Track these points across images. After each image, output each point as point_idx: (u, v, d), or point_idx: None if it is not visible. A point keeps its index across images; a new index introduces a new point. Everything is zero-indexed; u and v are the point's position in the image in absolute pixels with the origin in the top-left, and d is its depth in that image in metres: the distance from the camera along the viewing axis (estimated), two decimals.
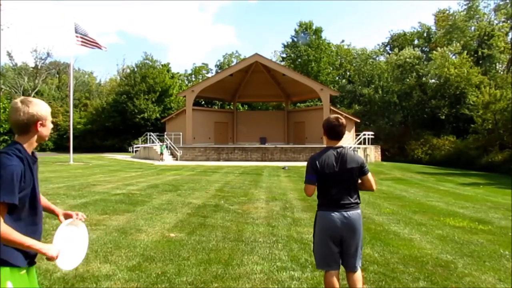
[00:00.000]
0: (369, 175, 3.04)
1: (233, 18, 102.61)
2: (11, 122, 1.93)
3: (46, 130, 1.99)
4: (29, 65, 54.80)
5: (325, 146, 3.28)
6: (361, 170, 3.00)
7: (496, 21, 36.01)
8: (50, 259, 1.92)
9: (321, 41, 47.60)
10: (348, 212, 2.90)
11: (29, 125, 1.91)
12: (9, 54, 53.17)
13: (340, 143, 3.24)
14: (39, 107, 1.94)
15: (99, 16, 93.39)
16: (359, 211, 2.98)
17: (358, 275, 3.00)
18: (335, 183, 2.92)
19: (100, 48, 23.13)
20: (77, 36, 21.89)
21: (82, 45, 22.27)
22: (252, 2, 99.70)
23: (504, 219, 7.33)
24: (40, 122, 1.93)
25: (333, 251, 2.93)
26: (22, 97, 1.99)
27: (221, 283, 3.75)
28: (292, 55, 49.15)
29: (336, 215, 2.89)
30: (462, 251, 4.98)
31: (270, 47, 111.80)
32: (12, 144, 1.93)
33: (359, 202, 3.00)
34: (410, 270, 4.19)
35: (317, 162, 2.98)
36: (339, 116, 3.26)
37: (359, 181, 3.02)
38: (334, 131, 3.22)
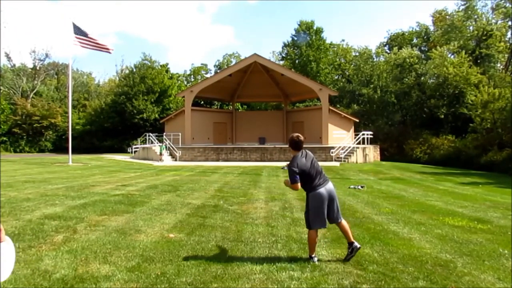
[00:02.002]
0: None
1: (232, 19, 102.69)
2: None
3: None
4: (28, 66, 54.74)
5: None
6: None
7: (494, 21, 36.07)
8: None
9: (321, 42, 47.62)
10: None
11: None
12: (7, 55, 53.13)
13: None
14: None
15: (98, 17, 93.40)
16: None
17: None
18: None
19: (108, 51, 22.75)
20: (76, 38, 21.81)
21: (83, 46, 22.13)
22: (251, 2, 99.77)
23: (503, 218, 7.34)
24: None
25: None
26: None
27: (221, 283, 3.75)
28: (292, 54, 49.17)
29: None
30: (461, 250, 4.98)
31: (269, 47, 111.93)
32: None
33: None
34: (410, 270, 4.20)
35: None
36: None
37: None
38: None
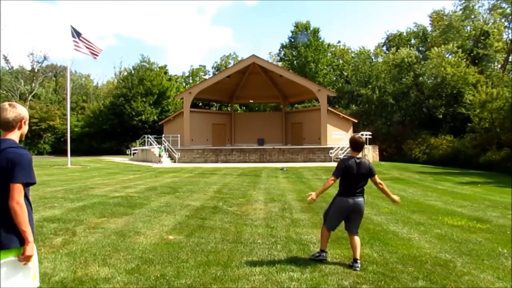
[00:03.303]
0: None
1: (230, 20, 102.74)
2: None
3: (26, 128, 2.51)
4: (26, 68, 54.66)
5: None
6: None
7: (492, 21, 36.17)
8: (27, 255, 2.30)
9: (319, 42, 47.67)
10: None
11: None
12: (5, 58, 53.05)
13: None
14: (23, 109, 2.47)
15: (97, 19, 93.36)
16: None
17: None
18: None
19: (95, 56, 22.85)
20: (74, 41, 21.86)
21: (76, 49, 22.19)
22: (249, 4, 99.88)
23: (502, 217, 7.35)
24: (24, 120, 2.46)
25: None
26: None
27: (220, 285, 3.75)
28: (290, 55, 49.22)
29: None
30: (460, 250, 4.99)
31: (268, 48, 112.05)
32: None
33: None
34: (409, 270, 4.20)
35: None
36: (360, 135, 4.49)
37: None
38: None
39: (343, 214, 4.43)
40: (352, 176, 4.32)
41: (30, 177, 2.33)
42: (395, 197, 4.56)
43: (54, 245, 5.03)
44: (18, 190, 2.26)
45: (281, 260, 4.51)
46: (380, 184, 4.46)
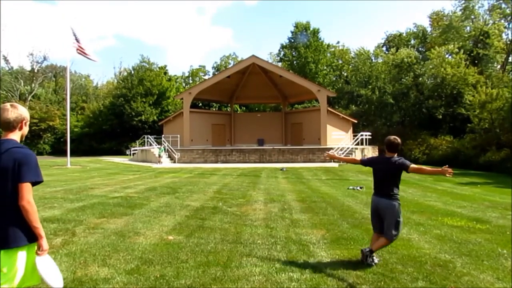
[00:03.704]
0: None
1: (230, 20, 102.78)
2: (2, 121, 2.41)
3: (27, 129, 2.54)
4: (26, 68, 54.65)
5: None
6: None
7: (491, 21, 36.19)
8: (42, 250, 2.41)
9: (319, 43, 47.69)
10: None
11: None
12: (5, 58, 53.04)
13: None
14: (24, 110, 2.51)
15: (96, 19, 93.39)
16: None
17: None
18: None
19: (91, 59, 23.21)
20: (74, 42, 21.99)
21: (78, 52, 22.39)
22: (250, 4, 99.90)
23: (502, 218, 7.35)
24: (24, 121, 2.50)
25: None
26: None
27: (220, 285, 3.75)
28: (290, 56, 49.23)
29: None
30: (460, 251, 4.99)
31: (268, 48, 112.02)
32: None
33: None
34: (409, 270, 4.20)
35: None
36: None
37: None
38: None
39: (373, 212, 4.55)
40: (376, 173, 4.47)
41: (38, 175, 2.40)
42: (443, 169, 4.04)
43: (53, 246, 5.02)
44: (27, 189, 2.33)
45: (281, 260, 4.51)
46: (420, 169, 4.38)
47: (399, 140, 4.43)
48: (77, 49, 22.18)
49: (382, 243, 4.40)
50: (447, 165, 4.20)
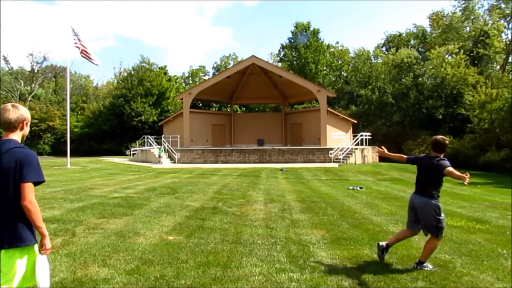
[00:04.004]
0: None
1: (230, 21, 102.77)
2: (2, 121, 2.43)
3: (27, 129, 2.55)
4: (26, 69, 54.63)
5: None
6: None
7: (491, 22, 36.22)
8: (46, 248, 2.44)
9: (319, 43, 47.69)
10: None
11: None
12: (5, 58, 53.04)
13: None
14: (25, 111, 2.51)
15: (96, 20, 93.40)
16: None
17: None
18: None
19: (92, 62, 23.22)
20: (75, 41, 21.99)
21: (83, 55, 22.48)
22: (250, 4, 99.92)
23: (502, 218, 7.36)
24: (26, 122, 2.50)
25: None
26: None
27: (220, 286, 3.75)
28: (290, 56, 49.22)
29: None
30: (460, 251, 4.99)
31: (268, 49, 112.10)
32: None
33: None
34: (409, 270, 4.20)
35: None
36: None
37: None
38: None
39: (409, 210, 4.49)
40: (418, 171, 4.47)
41: (40, 175, 2.41)
42: (463, 175, 4.15)
43: (53, 246, 5.01)
44: (29, 189, 2.34)
45: (281, 260, 4.51)
46: (451, 173, 4.21)
47: (446, 140, 4.40)
48: (82, 51, 22.18)
49: (431, 250, 4.32)
50: (467, 173, 4.25)
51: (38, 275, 2.38)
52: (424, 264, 4.28)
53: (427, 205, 4.27)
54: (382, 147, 5.11)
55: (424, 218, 4.29)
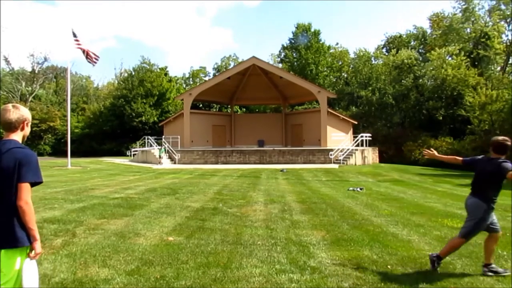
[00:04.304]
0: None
1: (231, 21, 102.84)
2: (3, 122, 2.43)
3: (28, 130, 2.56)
4: (27, 69, 54.69)
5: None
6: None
7: (491, 23, 36.24)
8: (36, 252, 2.40)
9: (319, 44, 47.72)
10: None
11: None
12: (6, 59, 53.11)
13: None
14: (26, 111, 2.53)
15: (97, 20, 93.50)
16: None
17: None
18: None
19: (92, 62, 23.28)
20: (76, 40, 22.06)
21: (88, 60, 22.62)
22: (250, 5, 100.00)
23: (502, 219, 7.35)
24: (26, 122, 2.51)
25: None
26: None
27: (220, 286, 3.75)
28: (291, 57, 49.26)
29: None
30: (460, 252, 4.98)
31: (268, 50, 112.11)
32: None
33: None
34: (409, 271, 4.21)
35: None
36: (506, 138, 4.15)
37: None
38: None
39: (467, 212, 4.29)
40: (476, 172, 4.26)
41: (37, 176, 2.39)
42: None
43: (54, 246, 5.03)
44: (25, 190, 2.33)
45: (281, 261, 4.51)
46: None
47: (509, 141, 4.05)
48: (87, 52, 22.27)
49: (491, 250, 4.21)
50: None
51: (25, 280, 2.33)
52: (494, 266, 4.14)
53: (477, 204, 4.11)
54: (431, 149, 4.82)
55: (468, 216, 4.18)
